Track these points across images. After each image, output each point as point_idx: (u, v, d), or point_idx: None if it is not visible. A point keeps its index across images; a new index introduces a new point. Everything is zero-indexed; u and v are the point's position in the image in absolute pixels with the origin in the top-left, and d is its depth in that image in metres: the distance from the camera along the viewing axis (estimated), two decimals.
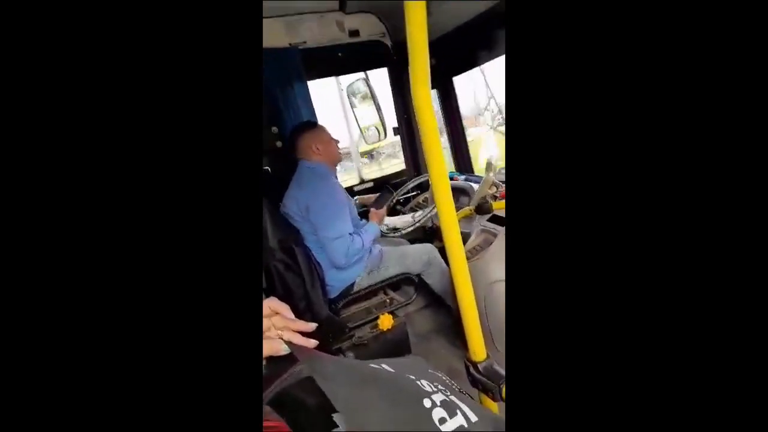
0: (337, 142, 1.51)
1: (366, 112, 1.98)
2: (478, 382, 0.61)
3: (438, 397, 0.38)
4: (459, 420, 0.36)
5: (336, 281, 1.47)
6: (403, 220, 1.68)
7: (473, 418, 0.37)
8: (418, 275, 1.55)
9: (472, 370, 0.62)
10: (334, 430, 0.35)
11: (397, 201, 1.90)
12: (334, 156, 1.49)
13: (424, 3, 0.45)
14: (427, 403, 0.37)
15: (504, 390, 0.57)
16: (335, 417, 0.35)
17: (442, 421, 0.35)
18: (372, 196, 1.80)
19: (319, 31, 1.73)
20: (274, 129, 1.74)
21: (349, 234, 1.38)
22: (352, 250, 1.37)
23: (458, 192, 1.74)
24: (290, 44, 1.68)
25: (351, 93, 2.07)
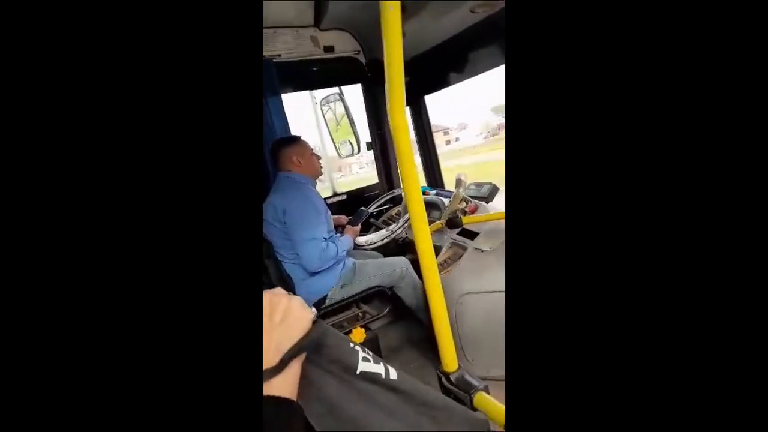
0: (318, 157, 1.54)
1: (339, 127, 2.00)
2: (450, 392, 0.62)
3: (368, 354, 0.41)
4: (379, 368, 0.39)
5: (308, 293, 1.45)
6: (377, 235, 1.70)
7: (393, 375, 0.39)
8: (391, 288, 1.56)
9: (444, 381, 0.64)
10: None
11: (370, 214, 1.92)
12: (315, 170, 1.52)
13: (399, 24, 0.48)
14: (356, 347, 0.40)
15: (475, 399, 0.59)
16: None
17: (365, 360, 0.39)
18: (342, 217, 1.81)
19: (294, 45, 1.75)
20: None
21: (324, 239, 1.38)
22: (326, 255, 1.37)
23: (429, 206, 1.78)
24: (264, 56, 1.68)
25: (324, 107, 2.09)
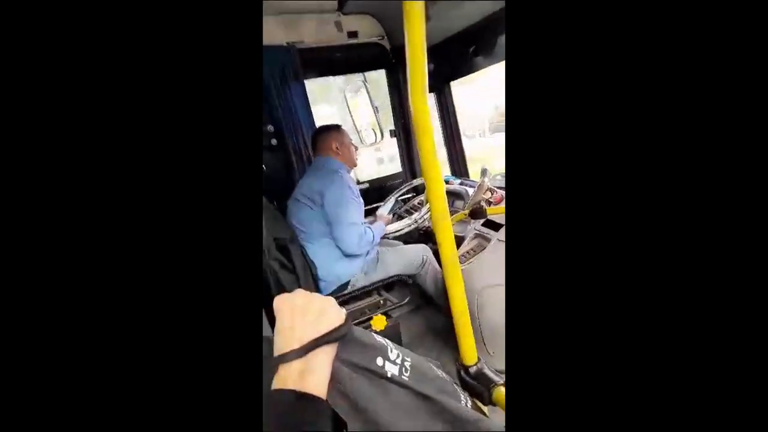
0: (356, 148, 1.56)
1: (363, 114, 1.98)
2: (468, 385, 0.61)
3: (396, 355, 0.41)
4: (409, 373, 0.40)
5: (330, 279, 1.47)
6: (399, 224, 1.69)
7: (423, 381, 0.40)
8: (413, 277, 1.56)
9: (462, 373, 0.63)
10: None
11: (394, 202, 1.91)
12: (351, 159, 1.54)
13: (422, 8, 0.46)
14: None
15: (494, 394, 0.58)
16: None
17: (396, 362, 0.40)
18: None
19: (318, 30, 1.73)
20: (270, 127, 1.74)
21: (362, 224, 1.41)
22: (365, 240, 1.40)
23: (453, 196, 1.74)
24: (288, 43, 1.68)
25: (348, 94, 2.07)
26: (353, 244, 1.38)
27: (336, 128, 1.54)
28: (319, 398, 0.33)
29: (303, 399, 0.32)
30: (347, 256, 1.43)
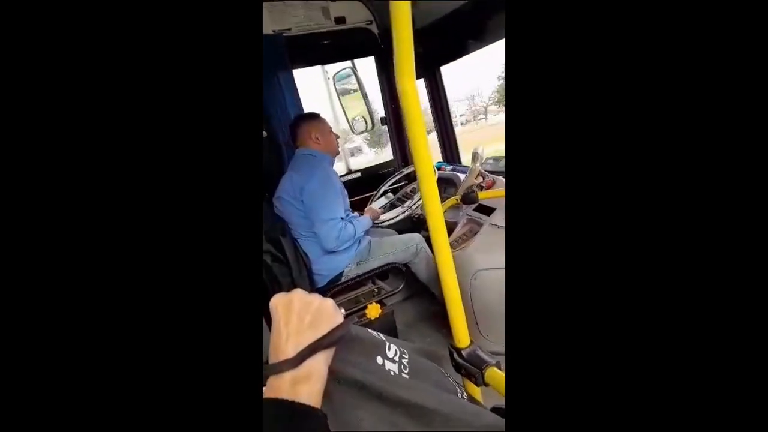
0: (337, 136, 1.54)
1: (353, 103, 1.96)
2: (462, 367, 0.62)
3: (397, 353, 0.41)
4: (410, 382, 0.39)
5: (324, 270, 1.47)
6: (392, 212, 1.69)
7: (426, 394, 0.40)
8: (406, 265, 1.57)
9: (455, 356, 0.64)
10: None
11: (385, 191, 1.90)
12: (333, 147, 1.52)
13: None
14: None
15: (486, 375, 0.58)
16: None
17: (394, 361, 0.40)
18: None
19: (305, 17, 1.69)
20: None
21: (341, 219, 1.39)
22: (344, 235, 1.38)
23: (445, 182, 1.74)
24: (274, 31, 1.64)
25: (337, 82, 2.04)
26: (331, 239, 1.36)
27: (314, 117, 1.50)
28: (313, 408, 0.32)
29: (296, 409, 0.31)
30: (328, 251, 1.42)
